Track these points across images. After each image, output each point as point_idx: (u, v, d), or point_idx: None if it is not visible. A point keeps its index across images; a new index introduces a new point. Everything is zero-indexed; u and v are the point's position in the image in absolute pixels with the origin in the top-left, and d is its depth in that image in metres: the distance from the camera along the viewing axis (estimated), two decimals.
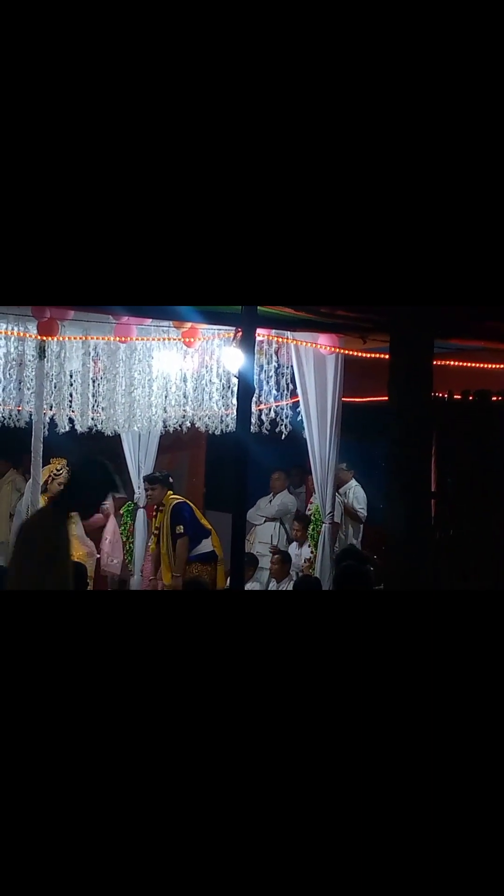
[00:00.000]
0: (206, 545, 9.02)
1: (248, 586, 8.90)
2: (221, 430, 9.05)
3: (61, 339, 8.12)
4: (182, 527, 8.97)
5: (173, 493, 9.29)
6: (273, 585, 9.13)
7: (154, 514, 9.25)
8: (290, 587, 8.59)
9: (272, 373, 8.46)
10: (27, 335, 8.05)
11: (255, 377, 7.68)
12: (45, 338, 7.82)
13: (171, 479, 9.48)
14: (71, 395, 8.81)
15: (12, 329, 8.04)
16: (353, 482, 9.61)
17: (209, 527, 9.15)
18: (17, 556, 4.88)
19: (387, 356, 6.71)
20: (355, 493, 9.51)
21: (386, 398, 6.63)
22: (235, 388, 7.53)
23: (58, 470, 9.30)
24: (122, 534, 10.14)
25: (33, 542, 4.82)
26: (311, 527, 8.80)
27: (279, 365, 8.49)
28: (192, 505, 9.26)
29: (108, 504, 10.21)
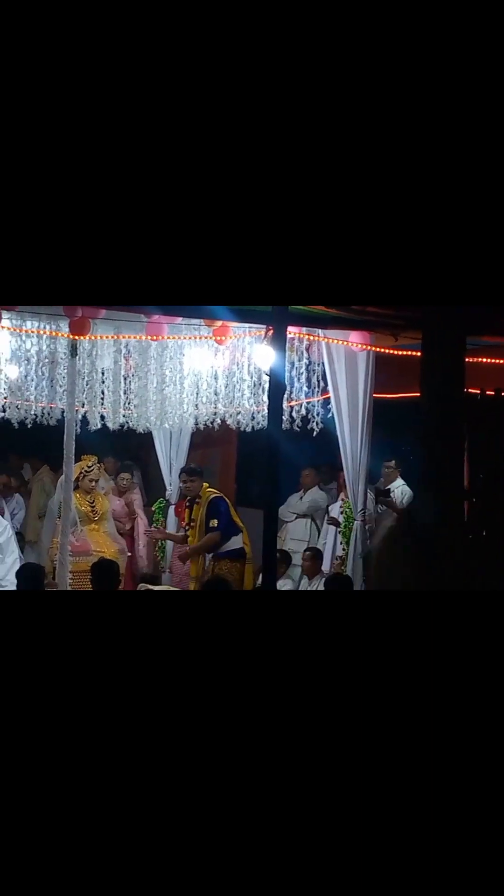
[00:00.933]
0: (235, 542, 9.00)
1: (280, 583, 8.89)
2: (252, 427, 9.04)
3: (93, 337, 8.14)
4: (217, 521, 8.95)
5: (210, 487, 9.29)
6: (305, 582, 9.12)
7: (187, 506, 9.22)
8: (322, 585, 8.58)
9: (303, 369, 8.43)
10: (59, 334, 8.08)
11: (287, 374, 7.68)
12: (76, 337, 7.84)
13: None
14: (103, 393, 8.82)
15: (44, 328, 8.06)
16: (400, 480, 9.45)
17: (241, 525, 9.15)
18: None
19: (418, 353, 6.68)
20: (403, 492, 9.32)
21: (418, 394, 6.61)
22: (267, 386, 7.53)
23: (89, 466, 9.34)
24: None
25: None
26: (343, 524, 8.78)
27: (310, 362, 8.46)
28: (227, 501, 9.25)
29: (138, 500, 10.26)
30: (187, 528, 9.22)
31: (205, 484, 9.15)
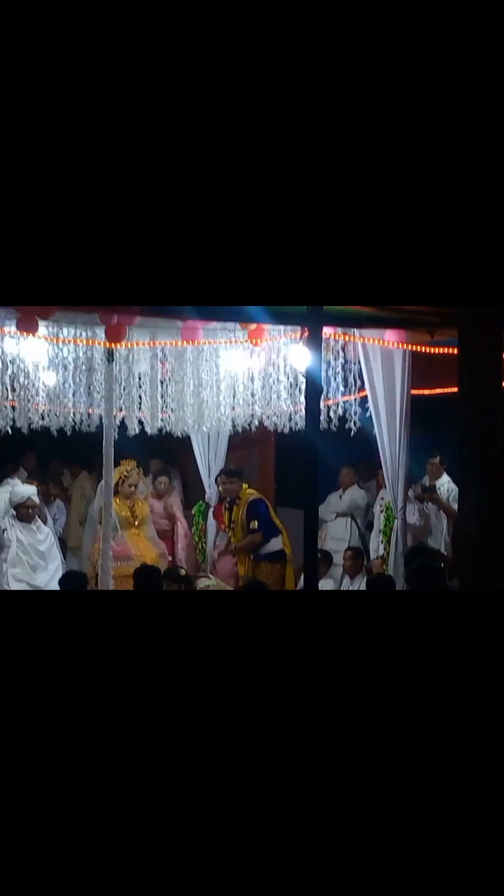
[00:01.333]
0: (275, 544, 9.01)
1: (322, 583, 8.88)
2: (290, 428, 9.03)
3: (129, 345, 8.17)
4: (256, 522, 8.97)
5: (250, 489, 9.30)
6: (346, 581, 9.10)
7: (227, 508, 9.23)
8: (364, 584, 8.56)
9: (339, 369, 8.41)
10: (96, 342, 8.12)
11: (323, 374, 7.67)
12: (113, 345, 7.87)
13: None
14: (140, 398, 8.84)
15: (81, 336, 8.11)
16: (446, 476, 9.29)
17: (280, 526, 9.15)
18: None
19: (455, 350, 6.65)
20: (449, 489, 9.14)
21: (455, 389, 6.57)
22: (303, 386, 7.52)
23: (128, 472, 9.38)
24: (194, 534, 10.20)
25: None
26: (384, 523, 8.75)
27: (346, 361, 8.44)
28: (267, 502, 9.25)
29: (177, 503, 10.28)
30: (227, 529, 9.24)
31: (244, 485, 9.16)
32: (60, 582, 7.28)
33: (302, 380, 8.06)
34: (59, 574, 8.21)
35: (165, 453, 10.81)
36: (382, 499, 9.18)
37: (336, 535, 9.93)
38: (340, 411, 8.53)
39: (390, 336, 7.98)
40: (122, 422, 8.86)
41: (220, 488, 9.44)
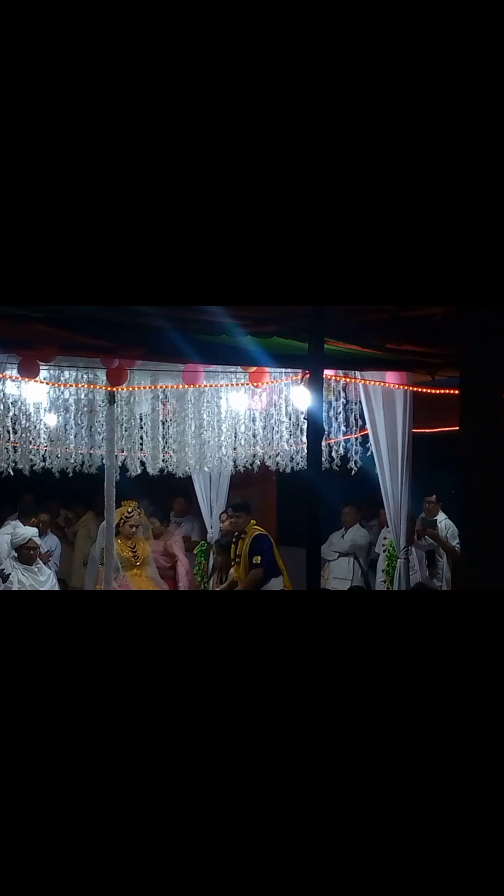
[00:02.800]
0: (276, 584, 8.85)
1: None
2: (292, 468, 9.04)
3: (130, 388, 8.20)
4: (260, 558, 8.82)
5: (256, 524, 9.23)
6: None
7: (233, 542, 9.13)
8: None
9: (340, 409, 8.44)
10: (97, 386, 8.16)
11: (324, 414, 7.68)
12: (114, 389, 7.90)
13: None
14: (142, 439, 8.86)
15: (82, 380, 8.15)
16: (442, 514, 9.36)
17: (282, 566, 9.08)
18: None
19: (456, 391, 6.66)
20: (447, 526, 9.22)
21: (457, 427, 6.57)
22: (305, 426, 7.53)
23: (129, 512, 9.37)
24: (196, 574, 10.17)
25: None
26: (387, 562, 8.73)
27: (347, 400, 8.47)
28: (271, 539, 9.18)
29: (178, 542, 10.26)
30: (232, 563, 9.14)
31: (252, 521, 9.05)
32: None
33: (303, 420, 8.07)
34: None
35: (167, 494, 10.81)
36: (385, 538, 9.17)
37: (338, 575, 9.90)
38: (342, 450, 8.55)
39: (391, 378, 8.00)
40: (124, 463, 8.87)
41: (227, 523, 9.34)
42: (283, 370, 7.88)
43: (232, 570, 9.16)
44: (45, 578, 8.84)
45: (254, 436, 8.84)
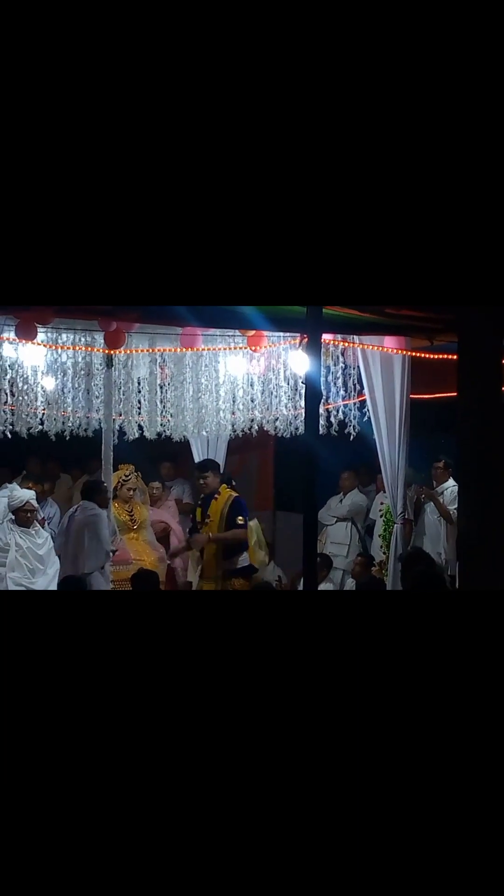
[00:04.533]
0: (245, 559, 8.49)
1: (322, 587, 8.86)
2: (291, 433, 9.03)
3: (128, 351, 8.17)
4: (243, 518, 8.43)
5: (228, 487, 9.07)
6: (350, 584, 9.06)
7: (199, 504, 8.86)
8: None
9: (339, 374, 8.41)
10: (94, 349, 8.13)
11: (322, 379, 7.66)
12: (112, 351, 7.87)
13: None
14: (139, 402, 8.85)
15: (79, 343, 8.11)
16: (451, 481, 8.99)
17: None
18: None
19: (454, 356, 6.64)
20: (452, 493, 8.81)
21: (455, 393, 6.57)
22: (303, 391, 7.50)
23: (126, 476, 9.36)
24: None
25: None
26: (383, 527, 8.74)
27: (346, 365, 8.44)
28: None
29: (172, 507, 10.26)
30: (201, 526, 8.93)
31: (223, 485, 8.79)
32: (59, 586, 7.28)
33: (302, 384, 8.05)
34: (58, 578, 8.20)
35: (165, 459, 10.79)
36: (382, 503, 9.16)
37: (336, 540, 9.89)
38: (340, 416, 8.53)
39: (389, 342, 7.97)
40: (121, 427, 8.86)
41: (198, 484, 8.79)
42: (282, 334, 7.85)
43: (203, 529, 8.56)
44: (42, 541, 8.83)
45: (252, 400, 8.82)
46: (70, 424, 9.15)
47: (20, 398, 8.36)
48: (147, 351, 8.37)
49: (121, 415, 8.82)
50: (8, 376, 8.26)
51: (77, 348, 8.16)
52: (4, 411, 8.59)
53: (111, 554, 8.42)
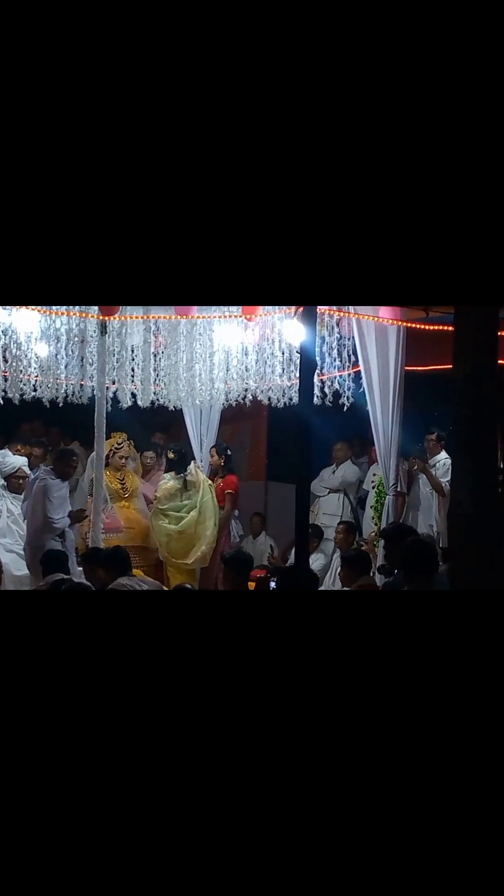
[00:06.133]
0: None
1: (313, 557, 8.88)
2: (284, 403, 9.00)
3: (122, 318, 8.12)
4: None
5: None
6: (338, 555, 9.08)
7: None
8: None
9: (334, 344, 8.37)
10: (88, 315, 8.07)
11: (317, 349, 7.63)
12: (106, 318, 7.83)
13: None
14: (133, 370, 8.81)
15: (73, 309, 8.06)
16: (444, 454, 8.99)
17: None
18: None
19: (450, 327, 6.61)
20: (445, 466, 8.82)
21: (450, 366, 6.53)
22: (298, 361, 7.48)
23: (119, 444, 9.35)
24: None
25: None
26: (376, 498, 8.72)
27: (341, 336, 8.40)
28: None
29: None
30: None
31: None
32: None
33: (296, 355, 8.03)
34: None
35: (158, 428, 10.76)
36: (375, 475, 9.15)
37: (328, 511, 9.88)
38: (335, 386, 8.50)
39: (385, 313, 7.94)
40: (115, 394, 8.83)
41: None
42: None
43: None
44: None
45: (246, 370, 8.78)
46: (63, 392, 9.12)
47: (13, 364, 8.32)
48: (141, 318, 8.31)
49: (114, 382, 8.78)
50: (1, 342, 8.22)
51: (71, 314, 8.10)
52: None
53: (54, 522, 8.44)
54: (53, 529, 8.43)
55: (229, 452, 9.70)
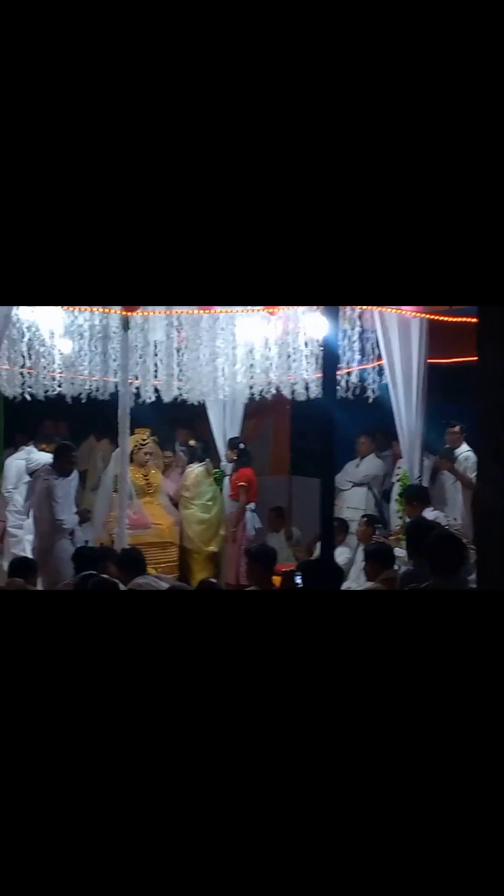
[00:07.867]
0: None
1: (338, 551, 8.86)
2: (307, 396, 8.99)
3: (144, 313, 8.13)
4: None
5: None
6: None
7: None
8: None
9: (356, 338, 8.36)
10: (111, 310, 8.08)
11: (340, 343, 7.62)
12: (128, 313, 7.84)
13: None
14: (156, 366, 8.82)
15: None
16: (465, 446, 8.98)
17: None
18: None
19: (474, 319, 6.57)
20: (467, 457, 8.84)
21: (474, 358, 6.50)
22: (320, 355, 7.48)
23: (143, 440, 9.38)
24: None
25: None
26: (400, 492, 8.70)
27: (363, 329, 8.38)
28: None
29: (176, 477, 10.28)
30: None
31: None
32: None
33: (319, 348, 8.02)
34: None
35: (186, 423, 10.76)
36: (399, 468, 9.12)
37: (352, 504, 9.87)
38: (357, 380, 8.48)
39: (407, 305, 7.91)
40: (138, 390, 8.85)
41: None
42: None
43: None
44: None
45: (269, 363, 8.77)
46: (87, 388, 9.13)
47: (37, 361, 8.35)
48: (164, 313, 8.31)
49: (137, 378, 8.79)
50: (25, 338, 8.25)
51: (94, 310, 8.11)
52: (22, 374, 8.59)
53: (63, 524, 8.45)
54: (63, 530, 8.46)
55: (242, 446, 9.72)
